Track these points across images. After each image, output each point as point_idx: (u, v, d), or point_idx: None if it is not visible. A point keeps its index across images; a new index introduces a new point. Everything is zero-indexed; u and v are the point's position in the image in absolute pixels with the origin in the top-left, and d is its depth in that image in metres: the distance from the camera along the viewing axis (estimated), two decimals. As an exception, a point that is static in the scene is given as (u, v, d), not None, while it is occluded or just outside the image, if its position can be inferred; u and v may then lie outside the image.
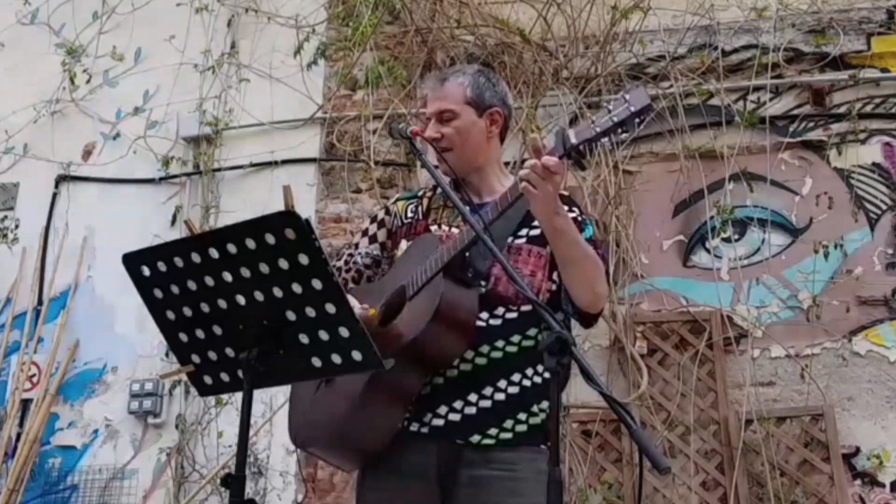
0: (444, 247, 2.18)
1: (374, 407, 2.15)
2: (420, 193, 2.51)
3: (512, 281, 2.01)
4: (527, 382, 2.24)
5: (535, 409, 2.23)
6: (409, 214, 2.45)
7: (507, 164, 4.46)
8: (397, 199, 2.53)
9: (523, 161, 4.60)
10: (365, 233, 2.50)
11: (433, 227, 2.37)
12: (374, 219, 2.52)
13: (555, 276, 2.27)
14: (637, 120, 2.01)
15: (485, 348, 2.20)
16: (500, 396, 2.21)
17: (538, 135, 2.10)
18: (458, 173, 2.33)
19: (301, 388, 2.32)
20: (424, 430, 2.19)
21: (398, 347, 2.07)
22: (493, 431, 2.19)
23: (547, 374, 2.23)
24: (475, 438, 2.18)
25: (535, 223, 2.23)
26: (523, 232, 2.30)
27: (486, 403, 2.19)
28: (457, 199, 2.14)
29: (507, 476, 2.16)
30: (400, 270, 2.31)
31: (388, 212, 2.50)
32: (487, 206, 2.24)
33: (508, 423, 2.20)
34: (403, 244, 2.39)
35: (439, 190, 2.41)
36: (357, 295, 2.22)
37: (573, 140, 2.03)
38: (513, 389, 2.22)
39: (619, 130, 2.02)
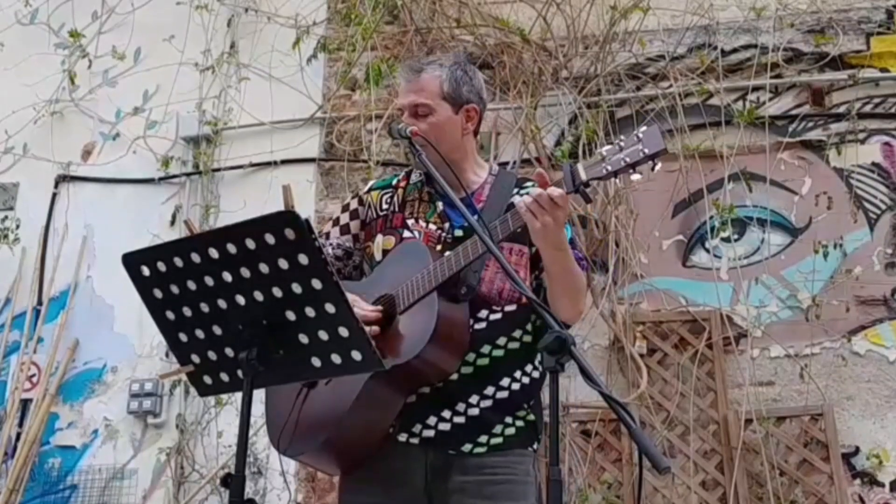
0: (440, 261, 2.13)
1: (363, 413, 2.12)
2: (394, 182, 2.43)
3: (515, 285, 1.99)
4: (515, 386, 2.22)
5: (521, 412, 2.22)
6: (385, 206, 2.38)
7: (504, 164, 4.51)
8: (371, 189, 2.44)
9: (524, 161, 4.65)
10: (336, 222, 2.43)
11: (410, 221, 2.32)
12: (345, 208, 2.44)
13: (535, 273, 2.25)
14: (650, 163, 1.98)
15: (471, 356, 2.17)
16: (488, 403, 2.19)
17: (543, 170, 2.08)
18: (433, 167, 2.24)
19: (278, 396, 2.24)
20: (414, 440, 2.17)
21: (393, 365, 2.05)
22: (483, 439, 2.17)
23: (535, 375, 2.23)
24: (466, 447, 2.17)
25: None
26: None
27: (474, 412, 2.17)
28: (462, 206, 2.07)
29: (498, 479, 2.15)
30: (386, 275, 2.25)
31: (361, 202, 2.42)
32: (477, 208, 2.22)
33: (498, 429, 2.19)
34: (380, 238, 2.33)
35: (413, 180, 2.37)
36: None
37: (583, 177, 2.02)
38: (501, 395, 2.20)
39: (631, 171, 2.00)
